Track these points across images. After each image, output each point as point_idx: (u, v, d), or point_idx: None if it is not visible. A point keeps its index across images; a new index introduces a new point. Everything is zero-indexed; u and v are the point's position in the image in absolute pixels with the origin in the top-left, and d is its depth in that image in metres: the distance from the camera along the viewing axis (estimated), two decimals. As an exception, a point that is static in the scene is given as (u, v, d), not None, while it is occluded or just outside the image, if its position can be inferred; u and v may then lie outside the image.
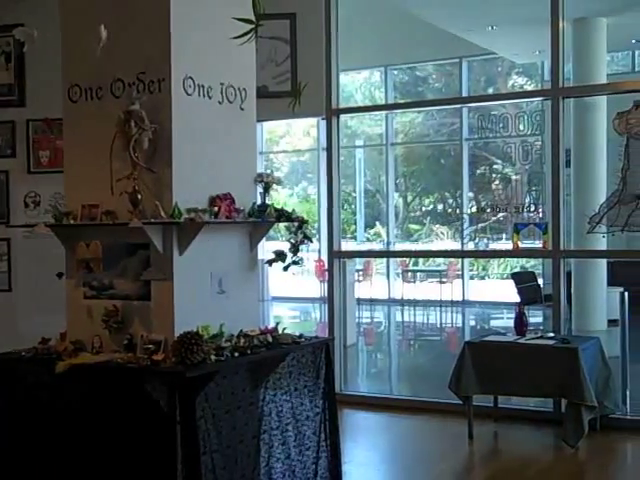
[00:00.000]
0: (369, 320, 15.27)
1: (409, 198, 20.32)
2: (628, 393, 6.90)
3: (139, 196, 4.12)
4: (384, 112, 15.99)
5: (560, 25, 6.84)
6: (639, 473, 5.84)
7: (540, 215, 7.49)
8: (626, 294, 7.17)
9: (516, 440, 6.55)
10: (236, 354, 4.15)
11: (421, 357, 12.25)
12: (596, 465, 5.95)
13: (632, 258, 12.64)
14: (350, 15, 8.12)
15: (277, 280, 17.03)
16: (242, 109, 4.75)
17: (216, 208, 4.38)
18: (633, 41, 14.49)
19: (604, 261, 12.00)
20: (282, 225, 4.96)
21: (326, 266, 8.41)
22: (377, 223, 20.35)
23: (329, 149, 7.83)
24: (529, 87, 18.31)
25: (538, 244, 7.25)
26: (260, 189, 4.82)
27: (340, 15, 7.74)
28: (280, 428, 4.57)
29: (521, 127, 7.52)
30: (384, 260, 18.22)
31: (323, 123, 7.88)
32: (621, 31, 12.52)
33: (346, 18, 7.82)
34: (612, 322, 10.21)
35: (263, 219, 4.69)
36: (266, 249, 8.65)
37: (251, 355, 4.24)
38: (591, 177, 11.69)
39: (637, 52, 16.32)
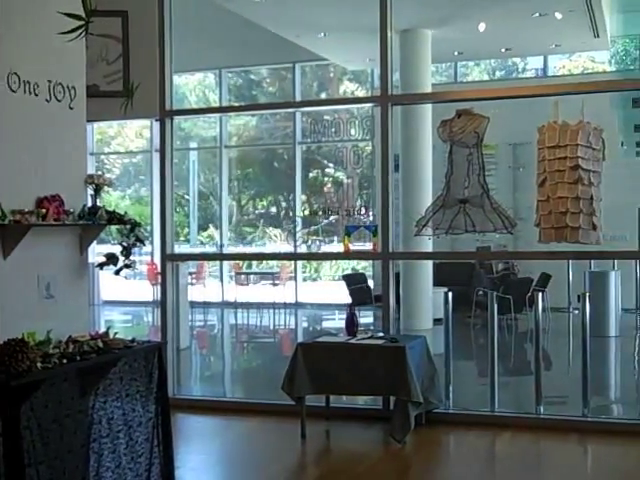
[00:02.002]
0: (202, 323, 15.18)
1: (243, 201, 20.37)
2: (451, 388, 7.25)
3: (-41, 197, 3.92)
4: (218, 115, 15.95)
5: (388, 35, 7.08)
6: (461, 463, 6.13)
7: (370, 218, 7.72)
8: (450, 294, 7.52)
9: (347, 438, 6.71)
10: (64, 361, 4.03)
11: (255, 359, 12.32)
12: (422, 458, 6.21)
13: (455, 259, 13.31)
14: (184, 16, 8.04)
15: (108, 284, 16.60)
16: (71, 108, 4.62)
17: (44, 210, 4.24)
18: (455, 53, 15.19)
19: (430, 262, 12.52)
20: (114, 228, 4.88)
21: (159, 269, 8.29)
22: (210, 226, 20.27)
23: (162, 151, 7.73)
24: (360, 93, 18.79)
25: (368, 246, 7.46)
26: (91, 191, 4.72)
27: (173, 15, 7.66)
28: (111, 436, 4.47)
29: (352, 132, 7.72)
30: (217, 263, 18.19)
31: (156, 125, 7.76)
32: (444, 43, 13.10)
33: (180, 19, 7.74)
34: (437, 321, 10.67)
35: (94, 221, 4.58)
36: (97, 252, 8.39)
37: (80, 361, 4.12)
38: (418, 181, 12.17)
39: (459, 64, 17.15)
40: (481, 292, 12.29)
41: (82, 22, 3.93)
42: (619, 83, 9.40)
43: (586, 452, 6.46)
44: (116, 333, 4.56)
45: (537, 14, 11.86)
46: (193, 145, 19.78)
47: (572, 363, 9.67)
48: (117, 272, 4.82)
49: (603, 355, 10.72)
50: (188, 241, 19.86)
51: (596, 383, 8.03)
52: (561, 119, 6.64)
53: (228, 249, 18.27)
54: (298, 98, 17.13)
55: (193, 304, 14.08)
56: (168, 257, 7.78)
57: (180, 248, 17.21)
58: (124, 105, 4.28)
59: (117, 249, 4.80)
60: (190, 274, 15.41)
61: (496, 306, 7.36)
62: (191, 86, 20.48)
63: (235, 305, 16.58)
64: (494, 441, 6.61)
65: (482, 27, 12.29)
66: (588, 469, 6.10)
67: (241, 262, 17.56)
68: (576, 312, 12.51)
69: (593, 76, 15.90)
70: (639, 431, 6.49)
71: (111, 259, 4.76)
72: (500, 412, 7.08)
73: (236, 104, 19.29)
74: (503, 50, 15.08)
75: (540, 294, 7.79)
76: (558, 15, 11.90)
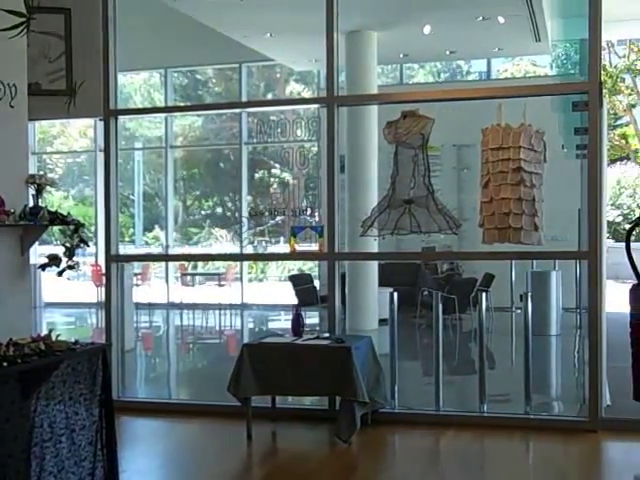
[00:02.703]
0: (148, 324, 15.04)
1: (188, 201, 20.24)
2: (396, 388, 7.31)
3: None
4: (163, 115, 15.83)
5: (334, 36, 7.11)
6: (407, 462, 6.18)
7: (316, 218, 7.74)
8: (395, 294, 7.58)
9: (293, 438, 6.71)
10: (5, 364, 3.95)
11: (200, 360, 12.25)
12: (368, 457, 6.24)
13: (401, 260, 13.41)
14: (128, 14, 7.96)
15: (51, 285, 16.35)
16: (12, 106, 4.53)
17: (-17, 210, 4.15)
18: (401, 55, 15.31)
19: (376, 263, 12.59)
20: (56, 228, 4.81)
21: (103, 270, 8.19)
22: (156, 226, 20.10)
23: (107, 151, 7.64)
24: (306, 94, 18.82)
25: (314, 247, 7.47)
26: (32, 191, 4.64)
27: (118, 13, 7.57)
28: (53, 440, 4.40)
29: (298, 133, 7.74)
30: (163, 264, 18.05)
31: (100, 124, 7.67)
32: (390, 45, 13.19)
33: (124, 17, 7.66)
34: (383, 321, 10.73)
35: (35, 222, 4.50)
36: (39, 253, 8.25)
37: (21, 364, 4.05)
38: (364, 182, 12.22)
39: (405, 66, 17.30)
40: (426, 292, 12.41)
41: (23, 19, 3.86)
42: (560, 87, 9.57)
43: (528, 449, 6.57)
44: (59, 335, 4.49)
45: (481, 18, 12.03)
46: (138, 145, 19.60)
47: (515, 362, 9.82)
48: (60, 273, 4.75)
49: (545, 353, 10.92)
50: (133, 242, 19.67)
51: (538, 381, 8.17)
52: (504, 122, 6.73)
53: (174, 250, 18.14)
54: (244, 98, 17.09)
55: (138, 305, 13.94)
56: (113, 258, 7.69)
57: (125, 249, 17.03)
58: (67, 104, 4.22)
59: (60, 250, 4.73)
60: (135, 275, 15.26)
61: (441, 306, 7.44)
62: (136, 85, 20.29)
63: (181, 306, 16.46)
64: (439, 440, 6.68)
65: (427, 30, 12.41)
66: (530, 466, 6.20)
67: (187, 263, 17.43)
68: (518, 311, 12.68)
69: (535, 80, 16.18)
70: (579, 427, 6.62)
71: (53, 260, 4.69)
72: (445, 411, 7.16)
73: (182, 104, 19.16)
74: (448, 53, 15.25)
75: (484, 294, 7.89)
76: (501, 19, 12.08)
